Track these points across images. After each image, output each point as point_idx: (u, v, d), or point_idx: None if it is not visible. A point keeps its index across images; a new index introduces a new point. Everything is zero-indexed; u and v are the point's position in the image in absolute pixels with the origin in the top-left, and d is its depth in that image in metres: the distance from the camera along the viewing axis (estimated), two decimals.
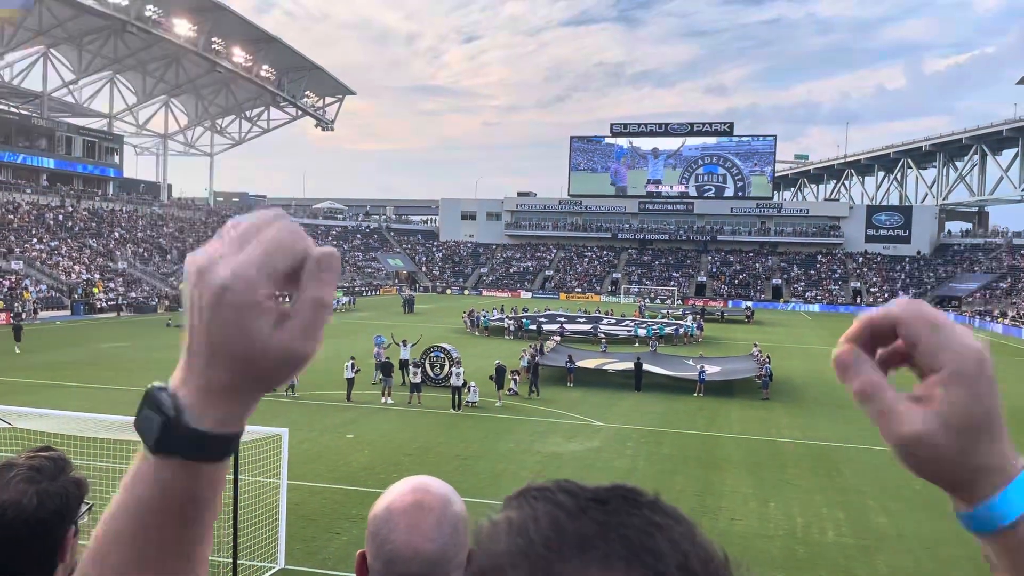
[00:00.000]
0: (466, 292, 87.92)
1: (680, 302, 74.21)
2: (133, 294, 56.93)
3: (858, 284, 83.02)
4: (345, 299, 63.92)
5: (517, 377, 26.27)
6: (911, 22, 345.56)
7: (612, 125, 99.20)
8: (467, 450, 18.98)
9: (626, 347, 39.80)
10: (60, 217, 65.06)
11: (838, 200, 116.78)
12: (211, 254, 0.75)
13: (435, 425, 21.63)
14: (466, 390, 23.80)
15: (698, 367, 28.88)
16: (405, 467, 16.62)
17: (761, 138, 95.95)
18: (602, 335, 42.95)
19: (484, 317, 47.04)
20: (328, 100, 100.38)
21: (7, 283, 49.57)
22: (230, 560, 10.88)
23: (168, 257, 68.29)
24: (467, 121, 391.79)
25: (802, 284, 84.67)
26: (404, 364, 26.75)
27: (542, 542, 0.67)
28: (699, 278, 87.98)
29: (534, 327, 45.29)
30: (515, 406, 24.41)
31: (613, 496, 0.70)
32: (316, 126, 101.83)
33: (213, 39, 77.29)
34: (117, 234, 67.41)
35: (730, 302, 78.77)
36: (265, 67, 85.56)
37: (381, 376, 25.06)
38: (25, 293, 48.93)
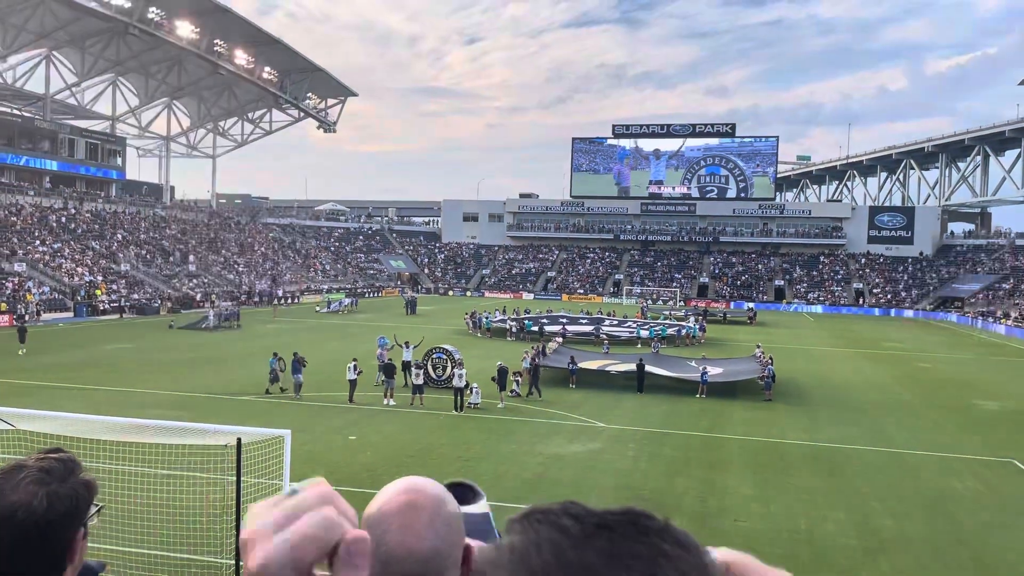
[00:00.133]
0: (468, 293, 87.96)
1: (682, 303, 74.20)
2: (136, 296, 56.99)
3: (861, 285, 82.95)
4: (347, 301, 63.98)
5: (519, 379, 26.26)
6: (912, 23, 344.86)
7: (614, 126, 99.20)
8: (469, 451, 18.98)
9: (628, 348, 39.82)
10: (63, 219, 65.19)
11: (840, 201, 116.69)
12: (257, 526, 0.77)
13: (437, 427, 21.63)
14: (468, 391, 23.79)
15: (700, 368, 28.85)
16: (407, 468, 16.62)
17: (763, 139, 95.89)
18: (604, 336, 42.98)
19: (486, 318, 47.05)
20: (330, 102, 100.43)
21: (10, 285, 49.67)
22: (233, 562, 10.89)
23: (171, 259, 68.37)
24: (469, 122, 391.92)
25: (804, 285, 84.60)
26: (406, 366, 26.76)
27: (543, 573, 0.64)
28: (701, 279, 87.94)
29: (536, 328, 45.32)
30: (517, 408, 24.40)
31: (620, 522, 0.67)
32: (318, 128, 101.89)
33: (215, 41, 77.38)
34: (120, 236, 67.50)
35: (732, 303, 78.78)
36: (267, 69, 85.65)
37: (383, 378, 25.05)
38: (28, 295, 49.02)
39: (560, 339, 39.01)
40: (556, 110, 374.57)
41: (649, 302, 71.60)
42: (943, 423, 24.25)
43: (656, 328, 45.56)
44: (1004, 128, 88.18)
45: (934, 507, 15.63)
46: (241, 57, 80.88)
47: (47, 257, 56.94)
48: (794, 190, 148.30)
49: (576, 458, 18.68)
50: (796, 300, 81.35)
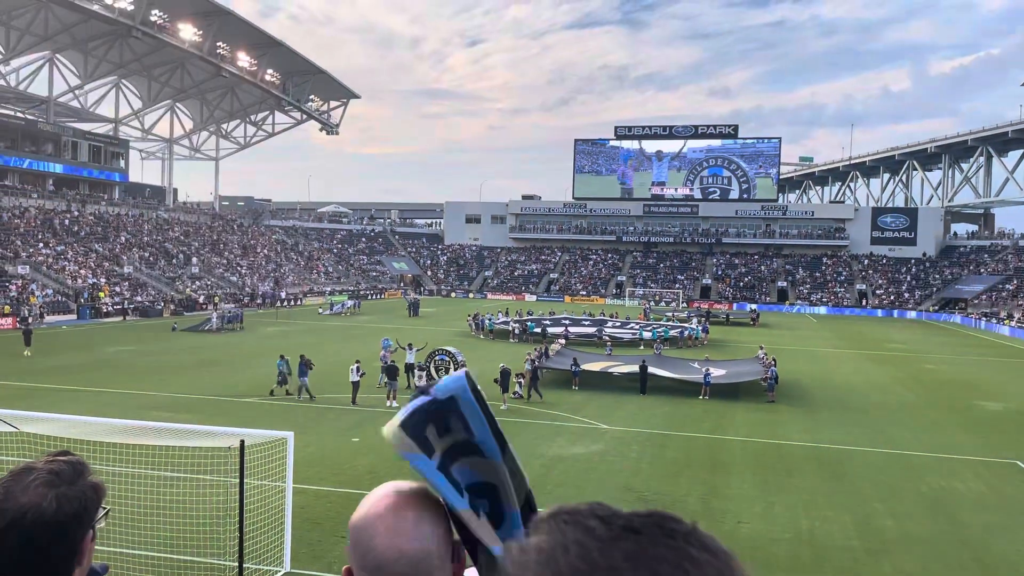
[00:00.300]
0: (471, 295, 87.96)
1: (685, 305, 74.15)
2: (139, 298, 57.07)
3: (864, 286, 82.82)
4: (350, 303, 64.04)
5: (522, 380, 26.27)
6: (915, 24, 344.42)
7: (616, 128, 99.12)
8: None
9: (631, 350, 39.81)
10: (66, 222, 65.32)
11: (843, 202, 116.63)
12: None
13: None
14: None
15: (703, 370, 28.84)
16: (409, 470, 16.60)
17: (766, 140, 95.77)
18: (607, 338, 42.94)
19: (489, 320, 47.05)
20: (333, 104, 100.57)
21: (14, 287, 49.79)
22: (236, 564, 10.91)
23: (174, 261, 68.47)
24: (471, 124, 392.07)
25: (807, 286, 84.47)
26: (409, 367, 26.77)
27: (570, 574, 0.64)
28: (704, 280, 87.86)
29: (539, 330, 45.31)
30: (520, 409, 24.41)
31: (647, 525, 0.67)
32: (321, 130, 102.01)
33: (218, 44, 77.49)
34: (123, 238, 67.60)
35: (735, 304, 78.68)
36: (270, 71, 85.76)
37: (386, 379, 25.07)
38: (32, 297, 49.14)
39: (563, 341, 38.99)
40: (558, 112, 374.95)
41: (652, 303, 71.59)
42: (945, 424, 24.21)
43: (659, 330, 45.55)
44: (1007, 129, 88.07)
45: (936, 508, 15.61)
46: (244, 59, 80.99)
47: (51, 260, 57.06)
48: (797, 191, 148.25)
49: (579, 460, 18.69)
50: (799, 301, 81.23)
